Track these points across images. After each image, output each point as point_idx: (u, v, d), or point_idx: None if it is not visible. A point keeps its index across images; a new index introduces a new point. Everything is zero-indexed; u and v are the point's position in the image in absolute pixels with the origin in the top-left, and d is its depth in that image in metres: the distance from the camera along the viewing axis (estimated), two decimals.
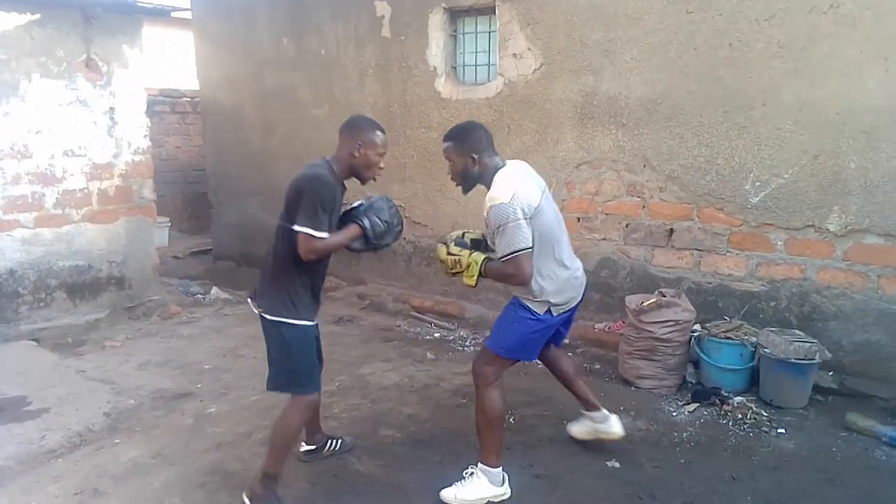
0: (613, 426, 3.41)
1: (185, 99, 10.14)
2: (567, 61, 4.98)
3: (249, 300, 3.15)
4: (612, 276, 5.02)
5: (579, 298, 3.09)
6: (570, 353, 3.44)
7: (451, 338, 5.43)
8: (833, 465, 3.41)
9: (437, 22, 5.66)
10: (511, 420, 3.84)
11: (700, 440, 3.67)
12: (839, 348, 4.12)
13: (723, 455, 3.51)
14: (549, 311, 2.97)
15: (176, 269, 7.91)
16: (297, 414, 2.97)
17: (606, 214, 4.98)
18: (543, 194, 2.96)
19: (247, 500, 2.94)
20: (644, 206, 4.80)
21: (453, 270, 3.01)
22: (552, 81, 5.08)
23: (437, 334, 5.52)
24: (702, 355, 4.25)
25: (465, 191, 3.08)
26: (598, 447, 3.56)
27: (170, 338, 5.45)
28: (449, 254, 3.02)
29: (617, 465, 3.39)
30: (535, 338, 3.03)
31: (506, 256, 2.81)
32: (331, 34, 6.40)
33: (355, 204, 3.06)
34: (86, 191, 5.59)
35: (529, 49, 5.15)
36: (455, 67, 5.79)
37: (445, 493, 3.06)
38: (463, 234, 3.21)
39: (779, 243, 4.32)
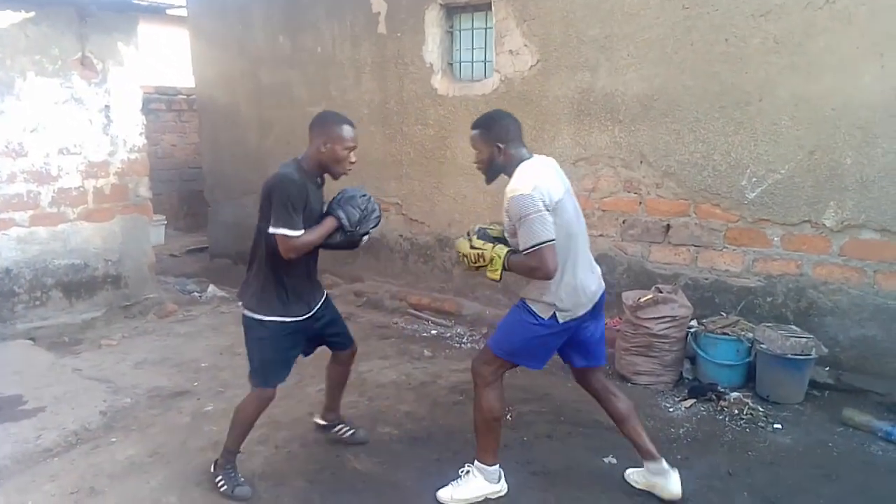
0: (671, 485, 2.98)
1: (180, 97, 10.10)
2: (563, 58, 4.98)
3: (238, 296, 3.22)
4: (609, 273, 5.01)
5: (588, 308, 2.88)
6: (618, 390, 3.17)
7: (449, 335, 5.43)
8: (829, 461, 3.41)
9: (433, 18, 5.65)
10: (508, 417, 3.84)
11: (697, 436, 3.67)
12: (835, 344, 4.13)
13: (719, 451, 3.52)
14: (554, 316, 2.81)
15: (172, 268, 7.89)
16: (251, 404, 3.14)
17: (603, 211, 4.98)
18: (567, 192, 2.85)
19: (212, 469, 3.21)
20: (641, 203, 4.80)
21: (476, 265, 2.88)
22: (549, 78, 5.08)
23: (434, 331, 5.52)
24: (698, 351, 4.26)
25: (489, 180, 2.98)
26: (595, 444, 3.56)
27: (166, 336, 5.44)
28: (472, 247, 2.89)
29: (614, 461, 3.39)
30: (537, 344, 2.89)
31: (528, 249, 2.68)
32: (327, 31, 6.38)
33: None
34: (81, 189, 5.57)
35: (526, 45, 5.14)
36: (451, 64, 5.78)
37: (441, 494, 3.06)
38: (486, 228, 3.04)
39: (775, 239, 4.32)
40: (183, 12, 7.90)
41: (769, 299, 4.38)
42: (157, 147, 9.57)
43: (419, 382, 4.46)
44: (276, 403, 3.76)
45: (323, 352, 3.70)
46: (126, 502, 3.09)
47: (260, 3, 6.92)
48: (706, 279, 4.61)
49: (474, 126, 2.97)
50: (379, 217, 3.15)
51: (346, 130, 3.00)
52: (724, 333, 4.18)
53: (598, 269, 3.01)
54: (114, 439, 3.68)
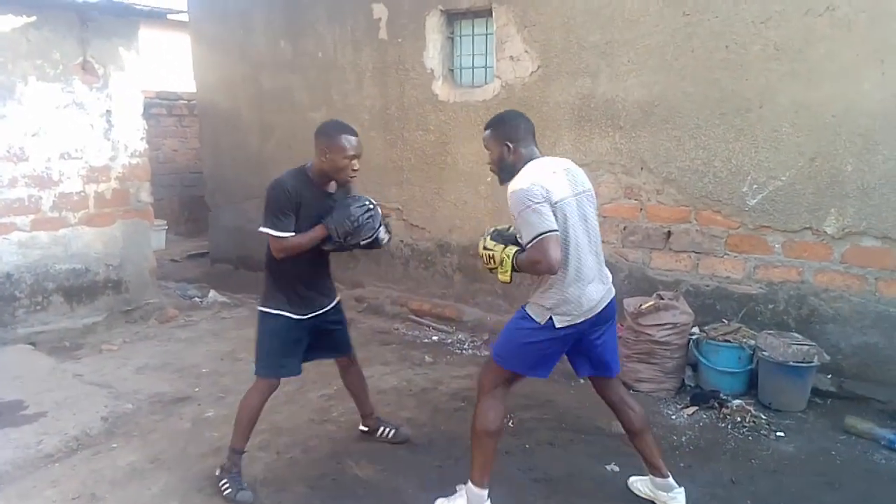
0: (675, 501, 2.98)
1: (181, 101, 10.12)
2: (564, 64, 4.98)
3: None
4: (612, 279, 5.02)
5: (591, 316, 2.76)
6: (634, 403, 3.06)
7: (450, 341, 5.43)
8: (832, 469, 3.41)
9: (434, 24, 5.66)
10: (510, 423, 3.84)
11: (699, 443, 3.67)
12: (837, 351, 4.13)
13: (722, 458, 3.51)
14: (550, 320, 2.72)
15: (173, 273, 7.89)
16: (255, 394, 3.26)
17: (604, 217, 4.97)
18: (576, 196, 2.75)
19: (218, 472, 3.24)
20: (641, 209, 4.80)
21: (489, 266, 2.83)
22: (549, 84, 5.09)
23: (435, 337, 5.51)
24: (700, 358, 4.25)
25: (502, 181, 2.89)
26: (597, 451, 3.56)
27: (167, 341, 5.44)
28: (485, 248, 2.84)
29: (616, 469, 3.38)
30: (534, 350, 2.79)
31: (530, 242, 2.59)
32: (328, 36, 6.39)
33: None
34: (82, 194, 5.58)
35: (526, 51, 5.15)
36: (452, 70, 5.79)
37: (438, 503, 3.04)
38: (501, 230, 2.96)
39: (776, 246, 4.32)
40: (184, 17, 7.90)
41: (771, 306, 4.38)
42: (159, 152, 9.59)
43: (420, 388, 4.45)
44: (277, 409, 3.78)
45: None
46: None
47: (261, 7, 6.94)
48: (707, 286, 4.61)
49: (486, 126, 2.96)
50: (374, 229, 3.12)
51: (346, 140, 3.07)
52: (726, 340, 4.18)
53: (608, 276, 2.90)
54: (115, 445, 3.67)
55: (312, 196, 3.10)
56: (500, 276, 2.79)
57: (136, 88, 5.86)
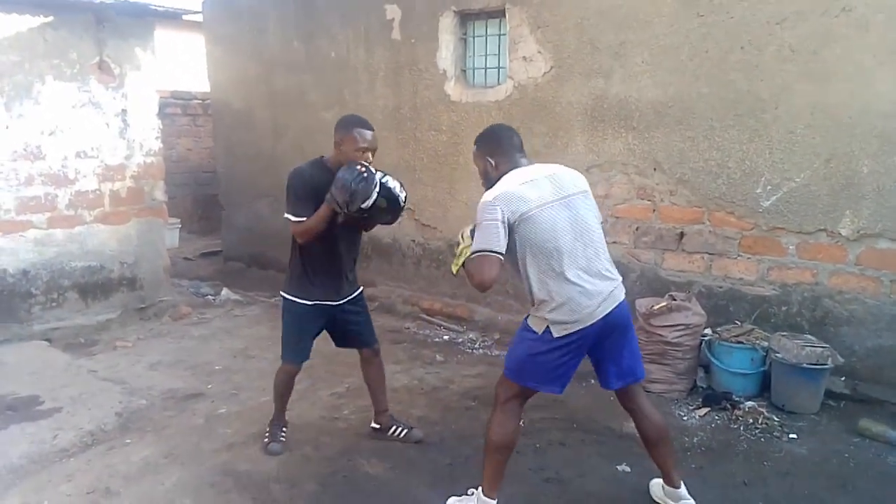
0: None
1: (195, 101, 10.18)
2: (577, 64, 4.98)
3: None
4: (623, 280, 5.00)
5: (593, 321, 2.66)
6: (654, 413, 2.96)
7: (461, 340, 5.43)
8: (845, 471, 3.39)
9: (447, 25, 5.67)
10: (521, 423, 3.83)
11: (711, 445, 3.65)
12: (851, 353, 4.09)
13: (734, 460, 3.49)
14: (548, 330, 2.66)
15: (186, 271, 7.95)
16: (279, 375, 3.57)
17: (616, 218, 4.97)
18: (562, 199, 2.70)
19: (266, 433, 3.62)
20: (654, 210, 4.79)
21: (455, 250, 2.92)
22: (562, 84, 5.08)
23: (446, 337, 5.52)
24: (713, 359, 4.24)
25: None
26: (608, 452, 3.55)
27: (181, 338, 5.48)
28: (462, 233, 2.91)
29: (628, 469, 3.38)
30: (538, 361, 2.71)
31: (473, 253, 2.65)
32: (341, 37, 6.42)
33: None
34: (98, 192, 5.63)
35: (539, 52, 5.15)
36: (465, 70, 5.80)
37: (450, 502, 3.03)
38: None
39: (790, 247, 4.29)
40: (198, 17, 7.96)
41: (784, 308, 4.36)
42: (173, 151, 9.64)
43: (431, 387, 4.47)
44: (289, 406, 3.80)
45: (335, 355, 3.73)
46: (141, 503, 3.11)
47: (274, 8, 6.97)
48: (720, 287, 4.59)
49: (474, 142, 3.00)
50: (369, 191, 3.11)
51: (358, 133, 3.23)
52: (739, 342, 4.16)
53: (614, 278, 2.79)
54: (129, 440, 3.71)
55: (329, 184, 3.19)
56: (452, 267, 2.93)
57: (152, 88, 5.92)
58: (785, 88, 4.17)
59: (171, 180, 7.01)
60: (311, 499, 3.14)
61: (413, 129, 6.02)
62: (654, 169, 4.73)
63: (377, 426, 3.73)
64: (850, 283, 4.13)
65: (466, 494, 3.03)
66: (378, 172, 3.24)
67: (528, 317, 2.79)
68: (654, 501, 3.08)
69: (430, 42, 5.76)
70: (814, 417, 3.94)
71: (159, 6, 5.88)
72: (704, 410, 4.03)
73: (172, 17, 6.73)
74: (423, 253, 6.18)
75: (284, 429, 3.66)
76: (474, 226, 2.86)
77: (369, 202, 3.13)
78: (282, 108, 7.11)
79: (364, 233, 3.63)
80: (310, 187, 3.24)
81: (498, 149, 2.87)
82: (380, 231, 3.79)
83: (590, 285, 2.67)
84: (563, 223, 2.68)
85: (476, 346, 5.30)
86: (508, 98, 5.37)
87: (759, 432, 3.77)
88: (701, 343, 4.30)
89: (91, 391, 4.25)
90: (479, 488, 2.90)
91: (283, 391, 3.59)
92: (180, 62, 11.30)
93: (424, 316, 5.91)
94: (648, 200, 4.81)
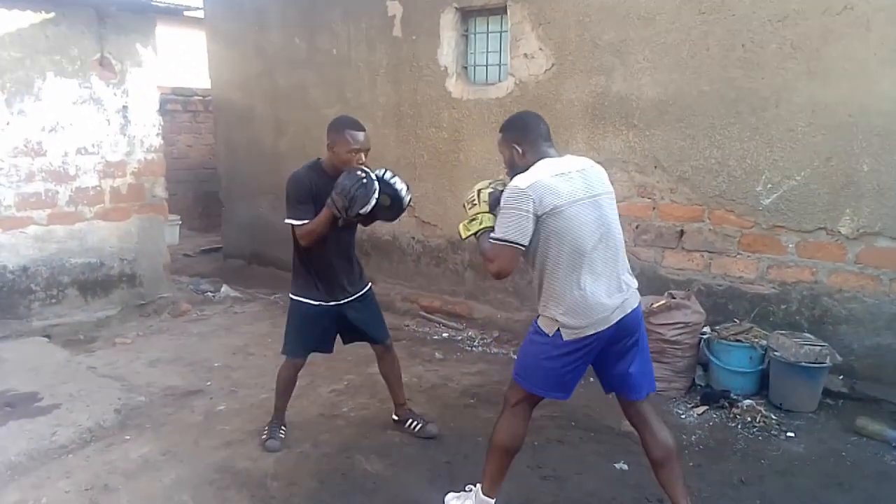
0: None
1: (196, 98, 10.18)
2: (578, 61, 4.97)
3: None
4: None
5: (604, 328, 2.56)
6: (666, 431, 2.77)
7: (460, 338, 5.44)
8: (842, 470, 3.39)
9: (448, 22, 5.66)
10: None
11: (709, 443, 3.66)
12: (850, 352, 4.09)
13: (732, 458, 3.50)
14: (558, 333, 2.57)
15: (186, 267, 7.96)
16: (282, 370, 3.64)
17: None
18: (591, 199, 2.59)
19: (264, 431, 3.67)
20: (654, 208, 4.79)
21: (466, 205, 2.78)
22: (563, 82, 5.07)
23: (445, 334, 5.53)
24: (711, 358, 4.24)
25: None
26: (606, 450, 3.55)
27: (180, 335, 5.48)
28: (479, 193, 2.75)
29: (625, 467, 3.38)
30: (549, 367, 2.62)
31: (496, 239, 2.56)
32: (342, 34, 6.41)
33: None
34: (98, 188, 5.63)
35: (541, 49, 5.14)
36: (466, 67, 5.79)
37: (448, 498, 3.03)
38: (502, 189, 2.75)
39: (790, 246, 4.29)
40: (200, 14, 7.98)
41: (783, 306, 4.35)
42: (173, 147, 9.66)
43: (430, 385, 4.47)
44: (289, 404, 3.81)
45: (335, 353, 3.73)
46: (139, 500, 3.12)
47: (276, 4, 6.97)
48: (720, 285, 4.58)
49: (499, 130, 2.90)
50: (368, 195, 3.14)
51: (350, 135, 3.25)
52: (738, 340, 4.16)
53: (631, 283, 2.69)
54: (128, 437, 3.72)
55: (327, 186, 3.24)
56: (461, 226, 2.76)
57: (153, 84, 5.91)
58: (786, 86, 4.16)
59: (171, 177, 7.00)
60: (309, 496, 3.15)
61: (414, 126, 6.01)
62: (655, 167, 4.73)
63: (396, 418, 3.80)
64: (849, 282, 4.12)
65: (465, 491, 3.03)
66: (386, 171, 3.31)
67: (538, 317, 2.69)
68: (650, 498, 3.08)
69: (432, 39, 5.75)
70: (812, 416, 3.94)
71: (160, 2, 5.89)
72: (703, 408, 4.03)
73: (174, 14, 6.74)
74: (422, 250, 6.18)
75: (283, 427, 3.69)
76: (493, 188, 2.77)
77: (368, 208, 3.16)
78: (283, 104, 7.11)
79: (363, 228, 3.68)
80: (308, 191, 3.30)
81: (525, 136, 2.74)
82: (379, 228, 3.80)
83: (612, 290, 2.59)
84: (589, 223, 2.57)
85: (475, 343, 5.30)
86: (510, 95, 5.37)
87: (757, 430, 3.78)
88: (700, 341, 4.30)
89: (90, 388, 4.26)
90: (478, 486, 2.89)
91: (284, 387, 3.64)
92: (181, 59, 11.31)
93: (423, 313, 5.92)
94: (648, 198, 4.81)
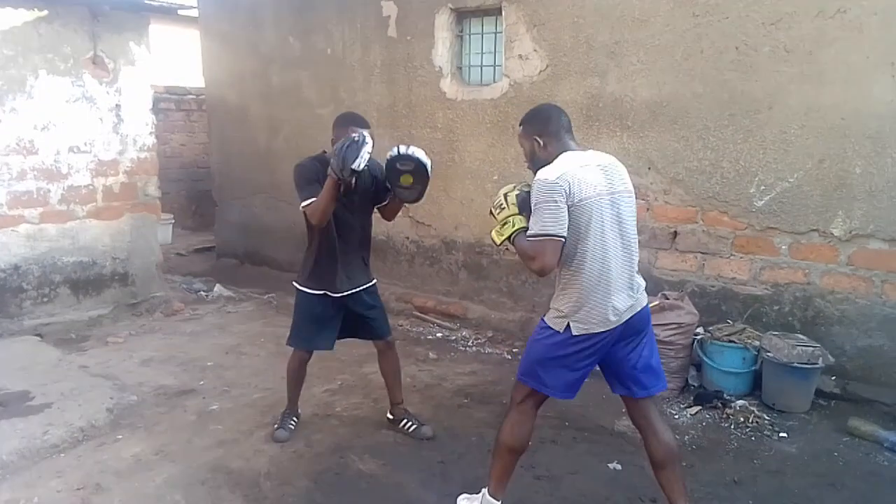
0: None
1: (190, 96, 10.16)
2: (573, 63, 4.98)
3: None
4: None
5: (613, 326, 2.56)
6: (670, 434, 2.77)
7: (454, 338, 5.44)
8: (834, 470, 3.41)
9: (443, 22, 5.66)
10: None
11: (702, 443, 3.67)
12: (842, 353, 4.12)
13: (725, 458, 3.51)
14: (568, 328, 2.55)
15: (179, 266, 7.93)
16: (290, 361, 3.70)
17: None
18: (612, 195, 2.56)
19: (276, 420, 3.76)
20: (648, 209, 4.80)
21: (494, 212, 2.72)
22: (557, 83, 5.08)
23: (439, 334, 5.53)
24: (704, 358, 4.25)
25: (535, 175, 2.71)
26: (600, 450, 3.56)
27: (172, 334, 5.46)
28: (506, 197, 2.70)
29: (619, 467, 3.39)
30: (556, 365, 2.61)
31: (534, 236, 2.51)
32: (337, 33, 6.40)
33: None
34: (91, 187, 5.61)
35: (535, 50, 5.15)
36: (461, 68, 5.80)
37: (461, 499, 3.01)
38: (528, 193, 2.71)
39: (783, 247, 4.31)
40: (194, 13, 7.95)
41: (776, 308, 4.37)
42: (166, 146, 9.63)
43: (424, 385, 4.47)
44: (282, 403, 3.82)
45: (329, 353, 3.72)
46: (131, 499, 3.11)
47: (270, 4, 6.96)
48: (713, 286, 4.60)
49: (519, 123, 2.87)
50: (357, 155, 3.14)
51: (354, 130, 3.28)
52: (731, 341, 4.18)
53: (641, 284, 2.68)
54: (119, 436, 3.70)
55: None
56: (493, 233, 2.71)
57: (146, 83, 5.89)
58: (779, 89, 4.18)
59: (164, 176, 6.98)
60: (302, 496, 3.14)
61: (408, 126, 6.01)
62: (649, 168, 4.74)
63: (391, 417, 3.81)
64: (841, 284, 4.15)
65: (477, 493, 2.95)
66: (400, 146, 3.36)
67: (545, 315, 2.69)
68: (644, 498, 3.09)
69: (427, 39, 5.76)
70: (804, 416, 3.96)
71: (154, 1, 5.86)
72: (696, 409, 4.04)
73: (167, 12, 6.70)
74: (416, 250, 6.18)
75: (294, 418, 3.76)
76: (519, 190, 2.73)
77: (360, 162, 3.13)
78: (277, 104, 7.09)
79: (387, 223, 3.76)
80: (313, 173, 3.35)
81: (547, 128, 2.70)
82: (374, 228, 3.78)
83: (625, 289, 2.58)
84: (612, 219, 2.55)
85: (469, 343, 5.30)
86: (504, 96, 5.38)
87: (750, 431, 3.79)
88: (693, 342, 4.31)
89: (82, 387, 4.23)
90: (486, 489, 2.86)
91: (294, 378, 3.71)
92: (175, 57, 11.26)
93: (417, 313, 5.91)
94: (642, 199, 4.81)
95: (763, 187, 4.31)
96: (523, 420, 2.74)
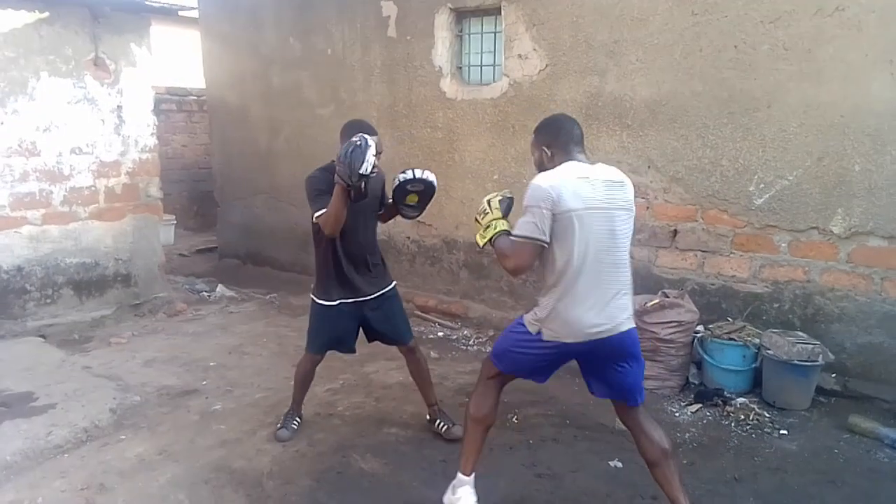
0: None
1: (191, 97, 10.18)
2: (572, 62, 4.99)
3: None
4: None
5: (583, 340, 2.59)
6: (660, 432, 2.77)
7: (455, 337, 5.45)
8: (835, 467, 3.42)
9: (443, 22, 5.68)
10: (514, 419, 3.87)
11: (702, 441, 3.68)
12: (842, 350, 4.13)
13: (725, 456, 3.52)
14: (539, 332, 2.63)
15: (181, 267, 7.95)
16: (300, 364, 3.74)
17: None
18: (606, 211, 2.56)
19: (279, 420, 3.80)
20: (648, 207, 4.81)
21: (479, 218, 2.81)
22: (557, 82, 5.09)
23: (440, 333, 5.54)
24: (705, 356, 4.26)
25: None
26: (600, 448, 3.57)
27: (175, 335, 5.48)
28: (489, 203, 2.80)
29: (619, 465, 3.40)
30: (526, 359, 2.72)
31: (515, 237, 2.59)
32: (337, 34, 6.42)
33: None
34: (93, 188, 5.63)
35: (535, 50, 5.16)
36: (460, 68, 5.81)
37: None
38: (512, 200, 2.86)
39: (782, 245, 4.32)
40: (194, 14, 7.97)
41: (776, 305, 4.38)
42: (168, 147, 9.65)
43: None
44: (284, 403, 3.83)
45: (330, 353, 3.74)
46: (135, 499, 3.13)
47: (271, 4, 6.97)
48: (713, 284, 4.61)
49: (533, 130, 2.89)
50: (363, 160, 3.13)
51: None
52: (731, 339, 4.19)
53: (624, 305, 2.63)
54: (123, 437, 3.72)
55: None
56: (477, 235, 2.80)
57: (147, 84, 5.91)
58: (778, 87, 4.19)
59: (166, 177, 7.00)
60: (305, 495, 3.16)
61: (408, 126, 6.02)
62: (648, 167, 4.75)
63: (427, 418, 3.82)
64: (841, 281, 4.16)
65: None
66: (407, 172, 3.41)
67: (527, 311, 2.74)
68: (645, 496, 3.10)
69: (426, 39, 5.77)
70: (804, 414, 3.97)
71: (155, 2, 5.88)
72: (696, 406, 4.05)
73: (168, 13, 6.72)
74: (417, 250, 6.20)
75: (298, 418, 3.79)
76: (502, 196, 2.82)
77: (367, 166, 3.13)
78: (278, 104, 7.11)
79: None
80: (323, 184, 3.34)
81: (556, 139, 2.72)
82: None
83: (592, 312, 2.56)
84: (599, 235, 2.55)
85: (470, 342, 5.32)
86: (504, 96, 5.39)
87: (750, 428, 3.80)
88: (693, 340, 4.32)
89: (85, 388, 4.26)
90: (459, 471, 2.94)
91: (301, 380, 3.74)
92: (176, 58, 11.29)
93: (419, 313, 5.93)
94: (642, 198, 4.82)
95: (762, 185, 4.32)
96: (487, 393, 2.86)
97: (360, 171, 3.13)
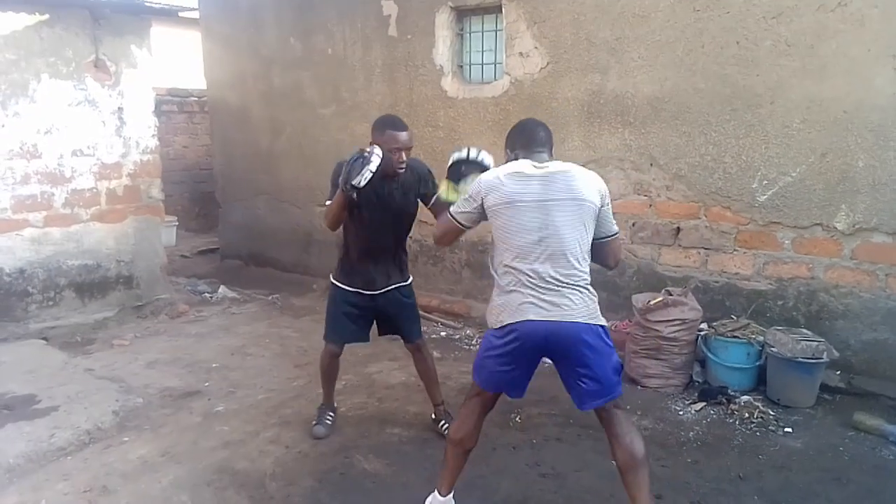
0: None
1: (192, 98, 10.17)
2: (574, 60, 4.98)
3: None
4: (619, 275, 5.01)
5: (523, 320, 2.55)
6: (634, 435, 2.66)
7: (458, 337, 5.44)
8: (840, 465, 3.40)
9: (443, 21, 5.66)
10: (517, 419, 3.86)
11: (707, 439, 3.66)
12: (847, 347, 4.11)
13: (730, 454, 3.50)
14: (496, 326, 2.64)
15: (184, 268, 7.94)
16: (322, 356, 3.72)
17: (613, 213, 4.95)
18: (541, 202, 2.59)
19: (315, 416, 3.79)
20: (651, 205, 4.80)
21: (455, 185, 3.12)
22: (559, 80, 5.08)
23: (443, 333, 5.53)
24: (709, 354, 4.25)
25: None
26: (604, 447, 3.55)
27: (178, 336, 5.48)
28: (450, 166, 3.14)
29: None
30: (488, 356, 2.67)
31: (450, 213, 2.85)
32: (338, 33, 6.41)
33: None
34: (94, 190, 5.62)
35: (536, 48, 5.15)
36: (461, 66, 5.80)
37: None
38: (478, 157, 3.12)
39: (786, 242, 4.30)
40: (195, 15, 7.96)
41: (780, 303, 4.37)
42: (169, 148, 9.64)
43: None
44: (287, 404, 3.82)
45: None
46: (138, 501, 3.12)
47: (271, 5, 6.96)
48: (716, 282, 4.60)
49: None
50: (360, 171, 3.13)
51: (391, 135, 3.31)
52: (735, 336, 4.17)
53: (568, 304, 2.55)
54: (126, 439, 3.71)
55: (374, 179, 3.21)
56: (442, 189, 3.19)
57: (148, 85, 5.90)
58: (781, 83, 4.17)
59: (167, 178, 7.00)
60: (307, 496, 3.15)
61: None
62: (651, 164, 4.74)
63: (433, 417, 3.81)
64: (845, 278, 4.14)
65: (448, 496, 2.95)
66: (475, 149, 3.20)
67: None
68: None
69: (427, 38, 5.76)
70: (809, 411, 3.95)
71: (156, 3, 5.87)
72: (700, 405, 4.04)
73: (169, 14, 6.69)
74: (419, 249, 6.18)
75: (331, 413, 3.79)
76: (478, 157, 3.11)
77: (360, 179, 3.13)
78: (279, 105, 7.10)
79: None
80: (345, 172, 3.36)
81: (518, 142, 2.84)
82: None
83: (532, 302, 2.55)
84: (530, 225, 2.57)
85: (473, 342, 5.30)
86: (505, 94, 5.37)
87: (755, 426, 3.79)
88: (697, 338, 4.31)
89: (88, 390, 4.25)
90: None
91: (326, 372, 3.73)
92: (177, 59, 11.28)
93: (421, 312, 5.89)
94: (645, 196, 4.82)
95: (766, 182, 4.30)
96: (468, 414, 2.79)
97: (353, 183, 3.14)
